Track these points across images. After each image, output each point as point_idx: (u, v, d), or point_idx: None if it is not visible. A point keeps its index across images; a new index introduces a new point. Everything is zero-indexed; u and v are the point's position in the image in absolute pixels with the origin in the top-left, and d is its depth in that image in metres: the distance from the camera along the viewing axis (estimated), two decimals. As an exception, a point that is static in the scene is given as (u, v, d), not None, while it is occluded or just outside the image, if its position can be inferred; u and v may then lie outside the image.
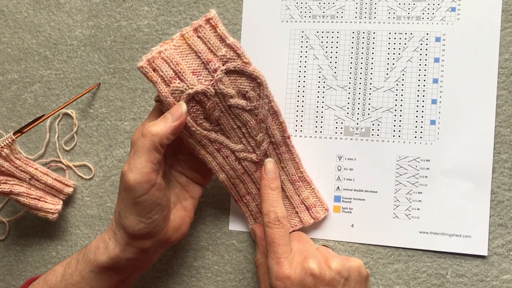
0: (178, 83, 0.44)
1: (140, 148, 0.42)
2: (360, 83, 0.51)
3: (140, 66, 0.44)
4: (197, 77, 0.45)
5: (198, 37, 0.45)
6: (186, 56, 0.45)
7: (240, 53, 0.45)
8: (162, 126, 0.43)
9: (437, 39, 0.50)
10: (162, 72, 0.44)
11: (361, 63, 0.51)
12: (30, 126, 0.53)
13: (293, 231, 0.51)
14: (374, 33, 0.51)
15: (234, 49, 0.45)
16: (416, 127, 0.50)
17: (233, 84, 0.46)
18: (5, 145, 0.51)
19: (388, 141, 0.51)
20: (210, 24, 0.45)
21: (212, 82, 0.45)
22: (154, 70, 0.44)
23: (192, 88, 0.44)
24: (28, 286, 0.49)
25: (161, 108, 0.46)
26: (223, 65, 0.45)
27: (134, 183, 0.42)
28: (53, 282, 0.47)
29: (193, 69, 0.45)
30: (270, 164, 0.48)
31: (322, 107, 0.52)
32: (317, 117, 0.52)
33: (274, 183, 0.47)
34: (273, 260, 0.43)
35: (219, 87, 0.45)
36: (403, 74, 0.51)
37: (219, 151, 0.48)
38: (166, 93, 0.44)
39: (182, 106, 0.44)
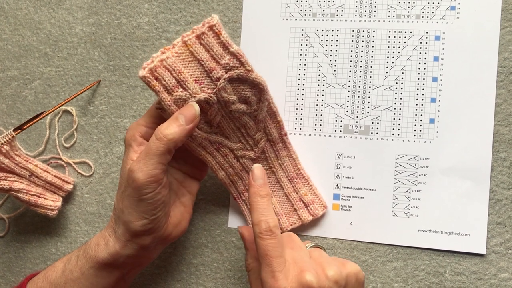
0: (181, 91, 0.44)
1: (154, 151, 0.42)
2: (359, 81, 0.51)
3: (142, 76, 0.43)
4: (199, 85, 0.44)
5: (201, 44, 0.44)
6: (188, 64, 0.44)
7: (244, 61, 0.44)
8: (177, 130, 0.42)
9: (437, 38, 0.50)
10: (165, 81, 0.43)
11: (361, 61, 0.51)
12: (30, 123, 0.53)
13: (292, 229, 0.51)
14: (374, 31, 0.51)
15: (237, 57, 0.44)
16: (415, 125, 0.50)
17: (235, 91, 0.45)
18: (5, 142, 0.51)
19: (387, 139, 0.51)
20: (213, 31, 0.43)
21: (214, 90, 0.44)
22: (157, 79, 0.43)
23: (195, 96, 0.44)
24: (28, 282, 0.50)
25: (161, 114, 0.46)
26: (226, 73, 0.44)
27: (144, 182, 0.42)
28: (53, 278, 0.47)
29: (196, 77, 0.44)
30: (258, 170, 0.45)
31: (322, 105, 0.52)
32: (316, 115, 0.52)
33: (263, 190, 0.44)
34: (267, 274, 0.40)
35: (222, 95, 0.45)
36: (402, 73, 0.51)
37: (219, 150, 0.48)
38: (169, 101, 0.44)
39: (195, 107, 0.43)
